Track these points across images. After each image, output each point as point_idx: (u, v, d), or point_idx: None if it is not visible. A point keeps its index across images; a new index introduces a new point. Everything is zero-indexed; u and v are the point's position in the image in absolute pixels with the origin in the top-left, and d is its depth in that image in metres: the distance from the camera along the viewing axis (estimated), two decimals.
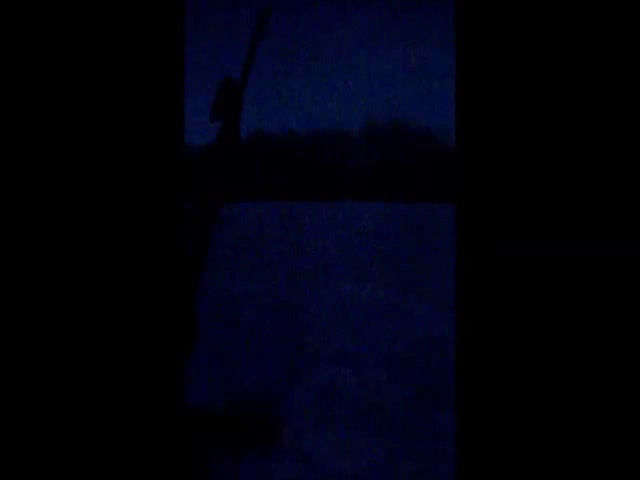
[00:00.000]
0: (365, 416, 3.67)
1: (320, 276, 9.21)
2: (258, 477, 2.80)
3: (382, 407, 3.83)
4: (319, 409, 3.79)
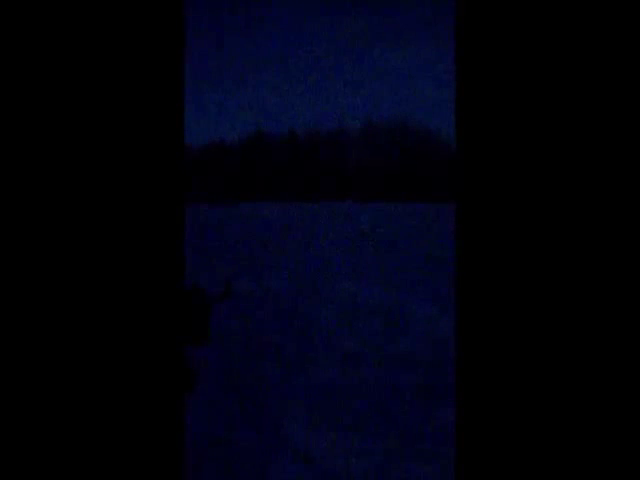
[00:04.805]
0: (365, 416, 3.68)
1: (320, 276, 9.22)
2: None
3: (382, 407, 3.83)
4: (319, 409, 3.80)
